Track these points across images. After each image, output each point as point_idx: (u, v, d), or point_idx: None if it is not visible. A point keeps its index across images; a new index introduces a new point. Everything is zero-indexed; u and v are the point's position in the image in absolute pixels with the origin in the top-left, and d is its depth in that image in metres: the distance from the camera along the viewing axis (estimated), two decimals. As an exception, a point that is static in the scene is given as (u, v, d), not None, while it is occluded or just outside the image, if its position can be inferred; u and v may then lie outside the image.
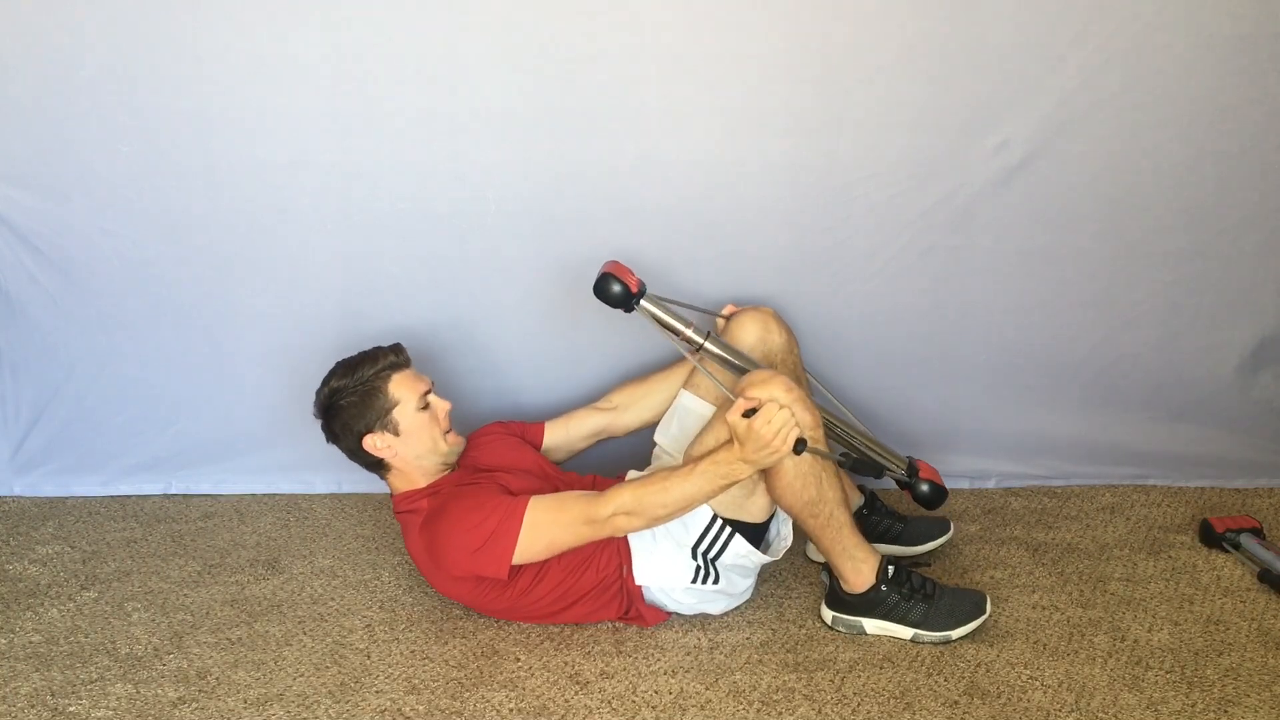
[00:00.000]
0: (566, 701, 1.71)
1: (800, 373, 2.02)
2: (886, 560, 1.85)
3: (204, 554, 2.15)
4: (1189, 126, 2.06)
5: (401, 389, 1.83)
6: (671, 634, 1.88)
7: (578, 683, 1.75)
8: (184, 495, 2.38)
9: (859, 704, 1.69)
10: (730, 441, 1.68)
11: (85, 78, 2.00)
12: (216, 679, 1.76)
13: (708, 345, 1.87)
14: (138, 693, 1.73)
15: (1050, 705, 1.68)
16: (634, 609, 1.86)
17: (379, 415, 1.82)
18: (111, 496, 2.37)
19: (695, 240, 2.14)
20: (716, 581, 1.83)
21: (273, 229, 2.14)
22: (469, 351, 2.25)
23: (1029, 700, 1.69)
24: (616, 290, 1.83)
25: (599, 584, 1.84)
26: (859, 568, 1.83)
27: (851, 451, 1.93)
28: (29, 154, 2.07)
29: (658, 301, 1.89)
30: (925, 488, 1.91)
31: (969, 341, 2.27)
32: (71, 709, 1.69)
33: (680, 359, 2.09)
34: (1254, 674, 1.75)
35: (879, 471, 1.89)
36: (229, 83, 2.01)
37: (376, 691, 1.73)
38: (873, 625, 1.85)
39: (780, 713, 1.68)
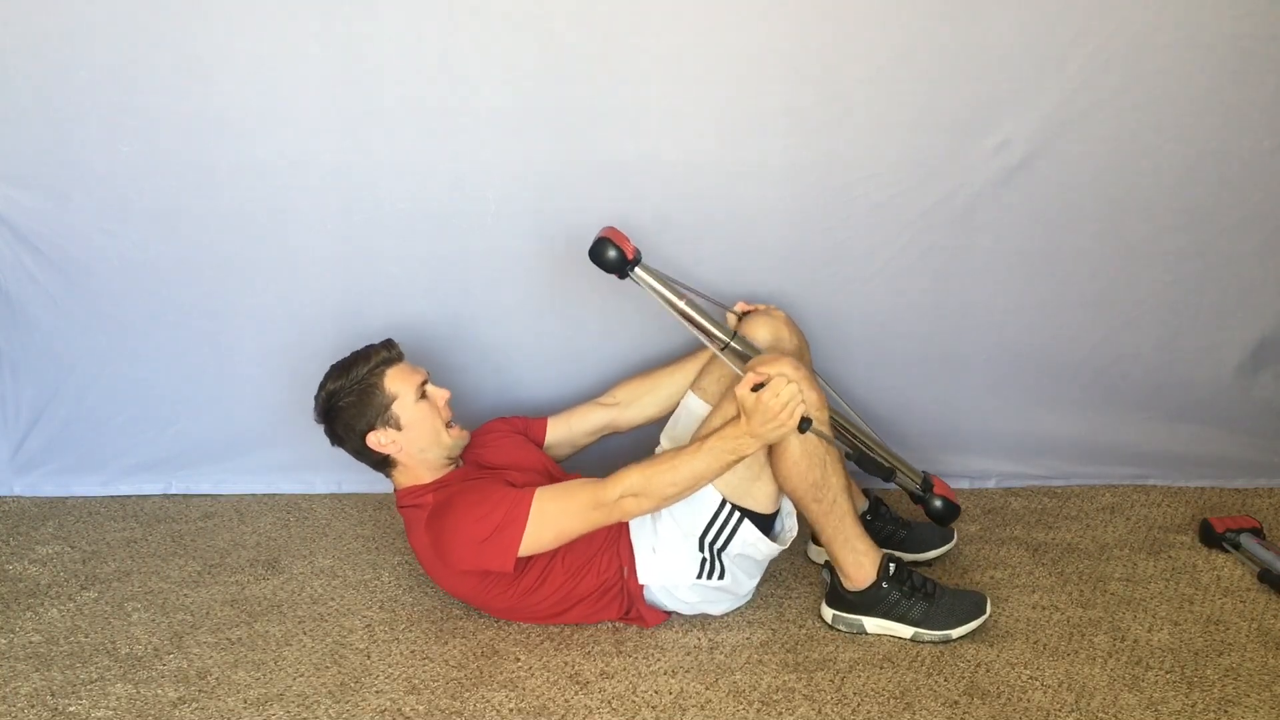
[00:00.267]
0: (566, 701, 1.71)
1: (813, 379, 2.02)
2: (888, 558, 1.85)
3: (204, 554, 2.15)
4: (1189, 126, 2.06)
5: (398, 383, 1.83)
6: (671, 634, 1.88)
7: (578, 683, 1.75)
8: (184, 495, 2.38)
9: (859, 704, 1.69)
10: (738, 416, 1.69)
11: (85, 78, 2.00)
12: (216, 679, 1.76)
13: (715, 332, 1.86)
14: (138, 693, 1.73)
15: (1050, 705, 1.68)
16: (634, 609, 1.86)
17: (379, 411, 1.82)
18: (111, 496, 2.37)
19: (695, 240, 2.14)
20: (722, 576, 1.82)
21: (273, 229, 2.14)
22: (469, 351, 2.25)
23: (1029, 700, 1.70)
24: (612, 255, 1.82)
25: (599, 587, 1.84)
26: (860, 561, 1.83)
27: (859, 450, 1.93)
28: (29, 154, 2.08)
29: (655, 273, 1.88)
30: (939, 503, 1.92)
31: (969, 341, 2.27)
32: (71, 709, 1.69)
33: (685, 354, 2.09)
34: (1254, 674, 1.75)
35: (888, 474, 1.89)
36: (229, 83, 2.01)
37: (376, 691, 1.73)
38: (873, 624, 1.85)
39: (780, 713, 1.68)
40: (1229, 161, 2.09)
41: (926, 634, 1.83)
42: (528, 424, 2.07)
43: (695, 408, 2.00)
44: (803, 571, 2.06)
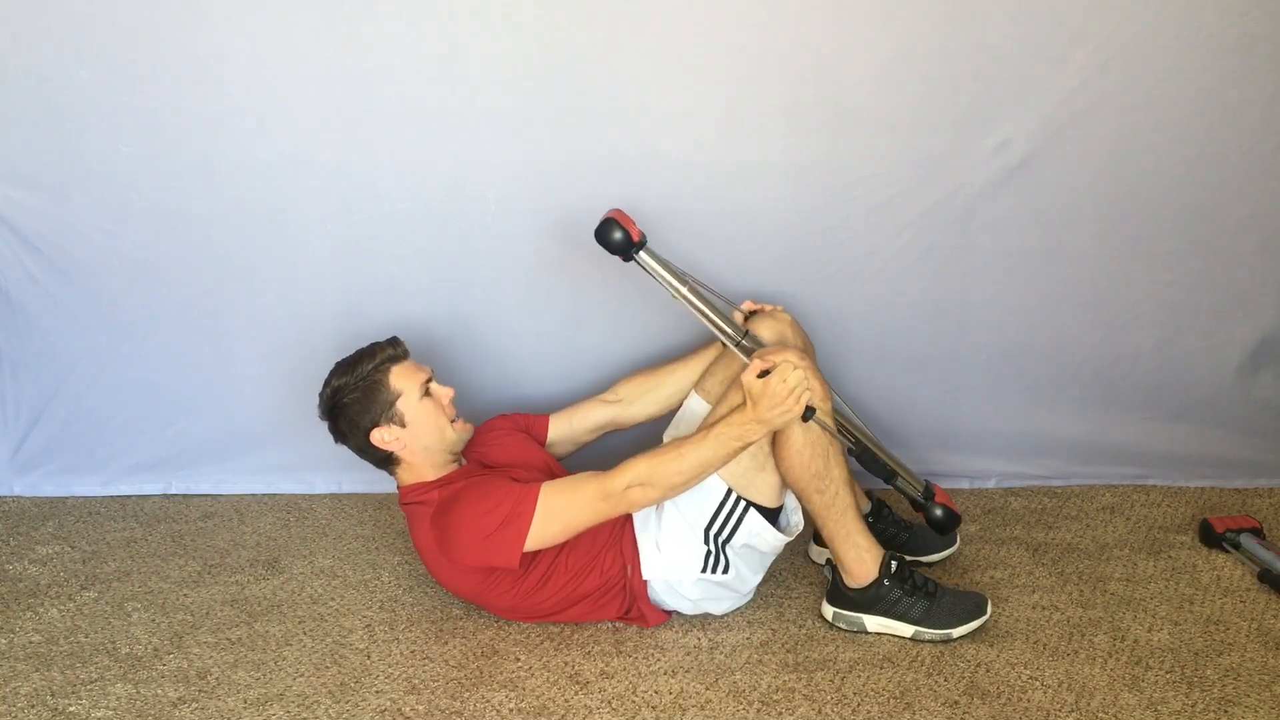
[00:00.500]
0: (566, 701, 1.71)
1: (817, 369, 2.02)
2: (889, 556, 1.85)
3: (204, 554, 2.15)
4: (1189, 126, 2.06)
5: (402, 380, 1.83)
6: (671, 634, 1.88)
7: (578, 683, 1.75)
8: (184, 495, 2.38)
9: (859, 704, 1.69)
10: (744, 403, 1.70)
11: (85, 78, 2.00)
12: (216, 679, 1.76)
13: (745, 343, 1.87)
14: (138, 693, 1.73)
15: (1050, 705, 1.68)
16: (635, 608, 1.86)
17: (383, 408, 1.82)
18: (111, 496, 2.37)
19: (695, 240, 2.14)
20: (726, 570, 1.82)
21: (273, 229, 2.14)
22: (470, 350, 2.25)
23: (1029, 700, 1.70)
24: (618, 237, 1.83)
25: (602, 585, 1.84)
26: (862, 557, 1.83)
27: (861, 446, 1.93)
28: (29, 154, 2.08)
29: (660, 259, 1.88)
30: (939, 511, 1.93)
31: (969, 341, 2.27)
32: (71, 709, 1.69)
33: (687, 353, 2.10)
34: (1254, 674, 1.75)
35: (888, 474, 1.90)
36: (229, 83, 2.01)
37: (376, 691, 1.73)
38: (874, 622, 1.85)
39: (780, 713, 1.68)
40: (1229, 161, 2.09)
41: (927, 633, 1.83)
42: (530, 421, 2.07)
43: (697, 409, 2.00)
44: (803, 571, 2.06)
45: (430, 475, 1.87)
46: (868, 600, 1.84)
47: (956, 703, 1.69)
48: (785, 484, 1.84)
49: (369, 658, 1.82)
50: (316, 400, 1.87)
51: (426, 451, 1.85)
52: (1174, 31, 1.98)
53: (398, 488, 1.91)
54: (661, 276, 1.88)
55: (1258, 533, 2.09)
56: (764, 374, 1.68)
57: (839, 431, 1.85)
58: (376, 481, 1.94)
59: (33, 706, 1.70)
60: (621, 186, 2.09)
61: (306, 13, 1.97)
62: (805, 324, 2.09)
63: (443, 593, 1.99)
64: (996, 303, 2.23)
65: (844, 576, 1.86)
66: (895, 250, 2.17)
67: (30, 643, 1.86)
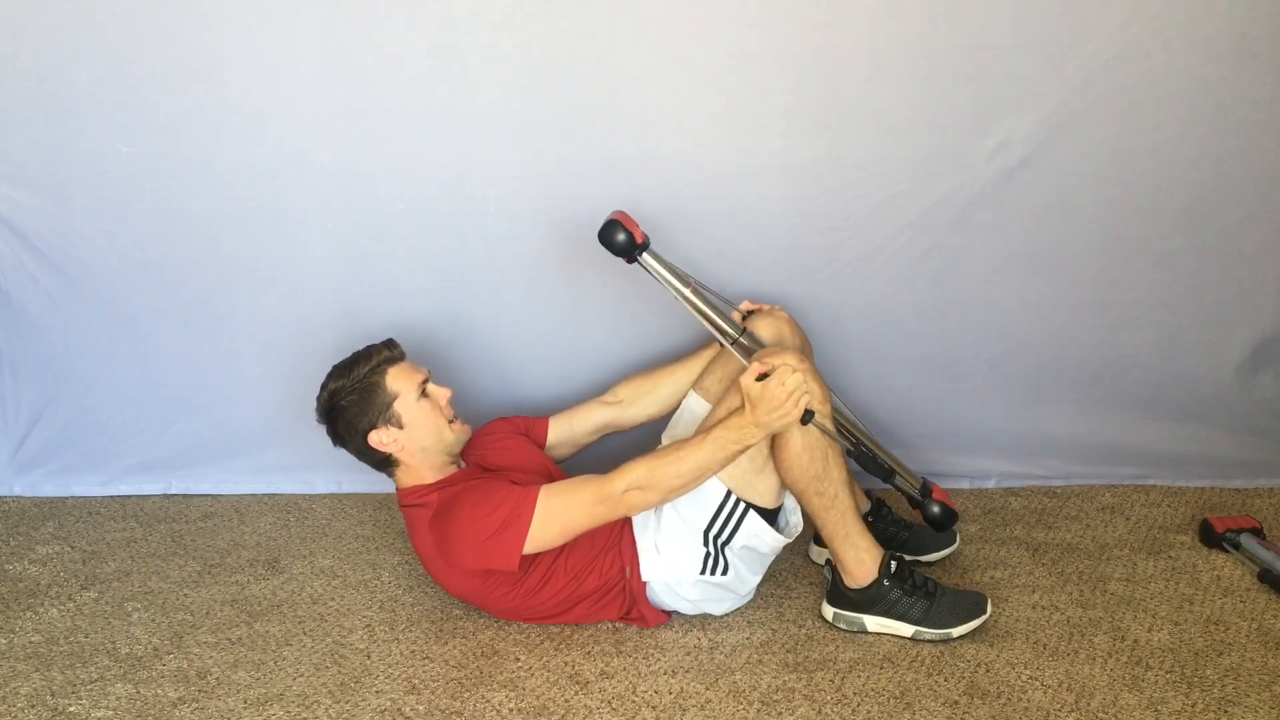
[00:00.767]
0: (566, 701, 1.71)
1: (816, 371, 2.02)
2: (889, 556, 1.85)
3: (204, 554, 2.15)
4: (1189, 126, 2.06)
5: (399, 381, 1.83)
6: (671, 634, 1.88)
7: (578, 683, 1.75)
8: (184, 495, 2.38)
9: (859, 704, 1.69)
10: (742, 407, 1.70)
11: (85, 78, 2.01)
12: (216, 679, 1.76)
13: (743, 341, 1.87)
14: (138, 693, 1.73)
15: (1050, 705, 1.68)
16: (635, 609, 1.86)
17: (381, 410, 1.82)
18: (111, 496, 2.37)
19: (695, 240, 2.14)
20: (725, 572, 1.82)
21: (273, 229, 2.14)
22: (470, 350, 2.25)
23: (1029, 700, 1.69)
24: (621, 239, 1.83)
25: (601, 586, 1.84)
26: (861, 558, 1.83)
27: (860, 446, 1.93)
28: (29, 154, 2.08)
29: (663, 261, 1.88)
30: (937, 509, 1.93)
31: (969, 341, 2.27)
32: (71, 709, 1.69)
33: (686, 353, 2.10)
34: (1254, 674, 1.75)
35: (887, 474, 1.90)
36: (230, 82, 2.01)
37: (376, 691, 1.73)
38: (874, 622, 1.85)
39: (780, 713, 1.68)
40: (1229, 161, 2.09)
41: (927, 633, 1.83)
42: (529, 424, 2.07)
43: (696, 408, 2.00)
44: (803, 571, 2.06)
45: (429, 477, 1.87)
46: (867, 600, 1.84)
47: (956, 703, 1.69)
48: (784, 486, 1.84)
49: (369, 658, 1.82)
50: (315, 410, 1.87)
51: (425, 453, 1.85)
52: (1174, 31, 1.98)
53: (397, 490, 1.91)
54: (664, 279, 1.88)
55: (1258, 533, 2.09)
56: (762, 377, 1.68)
57: (838, 432, 1.85)
58: (376, 481, 1.94)
59: (33, 706, 1.70)
60: (621, 186, 2.10)
61: (306, 13, 1.97)
62: (805, 324, 2.10)
63: (443, 593, 1.99)
64: (996, 303, 2.23)
65: (844, 577, 1.86)
66: (895, 250, 2.17)
67: (30, 643, 1.86)
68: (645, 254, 1.87)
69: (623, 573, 1.83)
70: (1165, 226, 2.15)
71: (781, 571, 2.05)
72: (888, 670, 1.77)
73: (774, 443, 1.78)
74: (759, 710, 1.68)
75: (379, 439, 1.82)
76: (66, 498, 2.36)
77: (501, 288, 2.21)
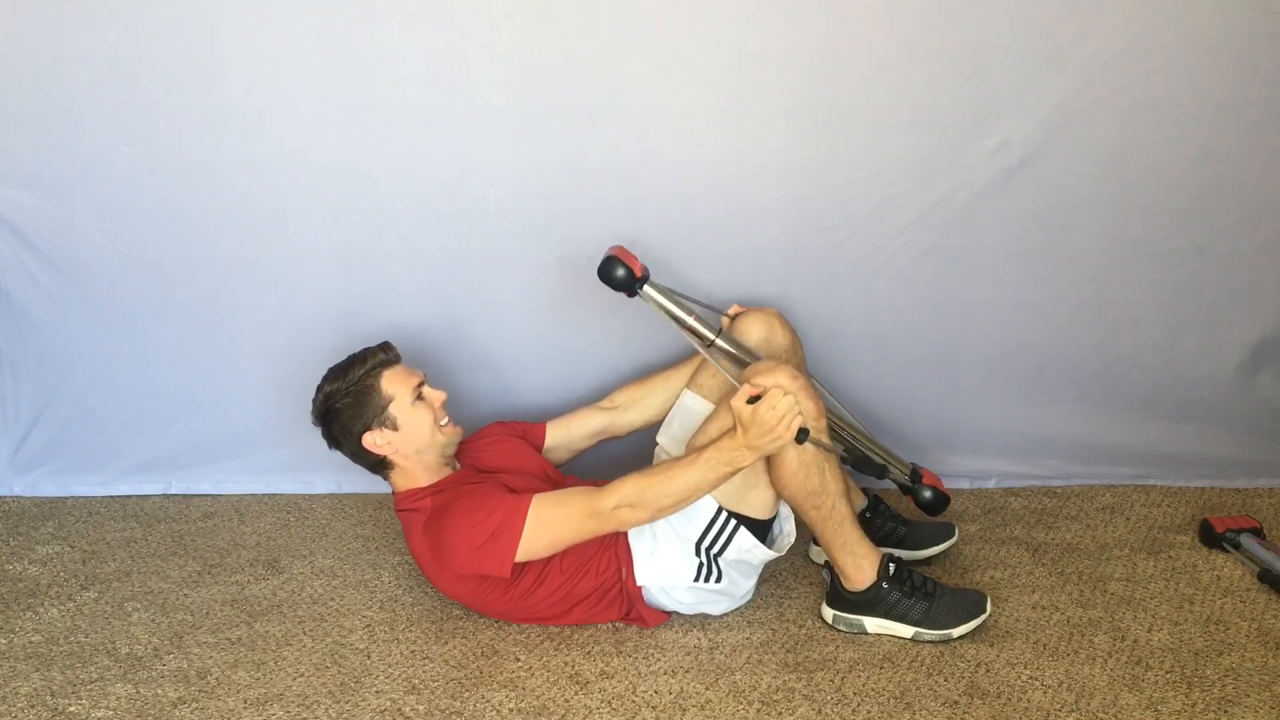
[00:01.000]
0: (566, 701, 1.71)
1: (804, 373, 2.02)
2: (888, 558, 1.85)
3: (204, 554, 2.15)
4: (1189, 126, 2.06)
5: (394, 384, 1.84)
6: (671, 634, 1.88)
7: (578, 683, 1.76)
8: (184, 495, 2.38)
9: (859, 704, 1.69)
10: (734, 428, 1.69)
11: (85, 78, 2.00)
12: (216, 679, 1.76)
13: (719, 342, 1.88)
14: (138, 693, 1.73)
15: (1050, 705, 1.68)
16: (634, 611, 1.86)
17: (375, 413, 1.82)
18: (111, 496, 2.37)
19: (695, 240, 2.14)
20: (719, 580, 1.83)
21: (273, 229, 2.14)
22: (469, 351, 2.25)
23: (1029, 700, 1.70)
24: (620, 274, 1.84)
25: (598, 588, 1.84)
26: (860, 564, 1.83)
27: (856, 451, 1.94)
28: (29, 154, 2.08)
29: (662, 289, 1.89)
30: (928, 493, 1.92)
31: (969, 341, 2.27)
32: (71, 709, 1.69)
33: (682, 359, 2.09)
34: (1254, 674, 1.75)
35: (881, 472, 1.90)
36: (230, 82, 2.01)
37: (376, 691, 1.73)
38: (874, 624, 1.85)
39: (780, 713, 1.68)
40: (1229, 161, 2.09)
41: (927, 633, 1.83)
42: (526, 429, 2.07)
43: (693, 404, 2.00)
44: (803, 571, 2.06)
45: (424, 480, 1.87)
46: (867, 603, 1.84)
47: (956, 703, 1.69)
48: (780, 499, 1.84)
49: (369, 658, 1.82)
50: (310, 412, 1.87)
51: (419, 455, 1.85)
52: (1174, 31, 1.98)
53: (393, 494, 1.91)
54: (667, 310, 1.88)
55: (1258, 533, 2.09)
56: (754, 399, 1.65)
57: (833, 436, 1.84)
58: (376, 481, 1.94)
59: (33, 706, 1.70)
60: (621, 187, 2.10)
61: (306, 13, 1.97)
62: (805, 324, 2.10)
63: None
64: (996, 303, 2.23)
65: (842, 580, 1.86)
66: (895, 250, 2.17)
67: (30, 643, 1.86)
68: (647, 286, 1.87)
69: (619, 573, 1.83)
70: (1165, 226, 2.15)
71: (781, 571, 2.05)
72: (888, 670, 1.77)
73: (769, 461, 1.78)
74: (759, 710, 1.68)
75: (373, 441, 1.82)
76: (66, 498, 2.36)
77: (501, 288, 2.21)
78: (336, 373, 1.85)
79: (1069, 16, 1.97)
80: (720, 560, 1.82)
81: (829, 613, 1.89)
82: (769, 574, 2.02)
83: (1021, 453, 2.38)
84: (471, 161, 2.09)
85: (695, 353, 2.08)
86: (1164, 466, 2.37)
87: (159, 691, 1.73)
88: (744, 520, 1.81)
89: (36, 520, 2.27)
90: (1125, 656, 1.79)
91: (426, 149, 2.07)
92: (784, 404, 1.64)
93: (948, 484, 2.07)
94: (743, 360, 1.88)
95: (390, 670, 1.79)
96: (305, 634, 1.89)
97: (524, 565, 1.78)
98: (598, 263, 1.87)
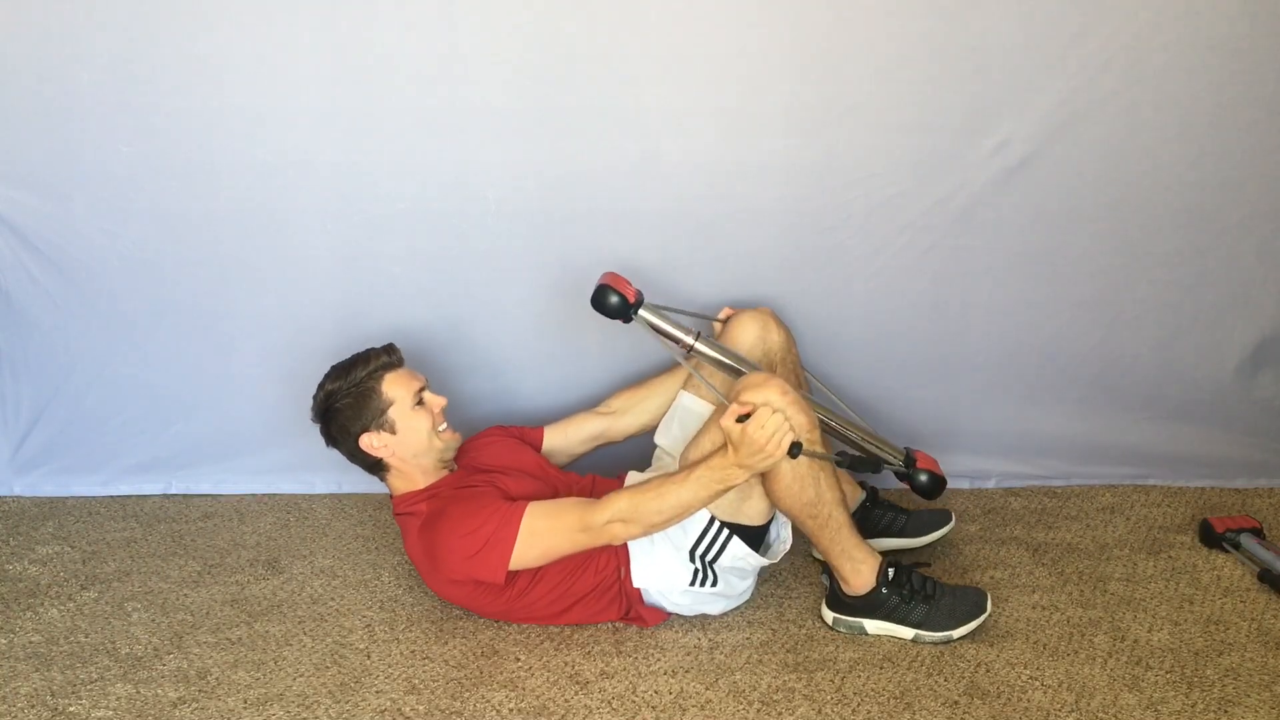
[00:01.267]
0: (566, 701, 1.71)
1: (799, 372, 2.02)
2: (886, 562, 1.85)
3: (204, 554, 2.15)
4: (1189, 126, 2.06)
5: (395, 388, 1.84)
6: (671, 634, 1.88)
7: (578, 683, 1.75)
8: (184, 495, 2.38)
9: (859, 704, 1.69)
10: (725, 447, 1.68)
11: (85, 78, 2.00)
12: (216, 679, 1.76)
13: (699, 346, 1.87)
14: (138, 693, 1.73)
15: (1050, 705, 1.68)
16: (634, 611, 1.86)
17: (374, 415, 1.82)
18: (111, 496, 2.37)
19: (695, 240, 2.14)
20: (715, 584, 1.83)
21: (273, 229, 2.14)
22: (468, 352, 2.25)
23: (1029, 700, 1.69)
24: (614, 301, 1.84)
25: (597, 586, 1.84)
26: (858, 568, 1.83)
27: (849, 446, 1.93)
28: (29, 154, 2.07)
29: (656, 310, 1.89)
30: (924, 478, 1.91)
31: (969, 341, 2.27)
32: (71, 709, 1.69)
33: (678, 365, 2.09)
34: (1254, 674, 1.75)
35: (877, 467, 1.89)
36: (229, 83, 2.01)
37: (376, 691, 1.73)
38: (874, 626, 1.85)
39: (780, 713, 1.68)
40: (1229, 161, 2.09)
41: (928, 635, 1.83)
42: (524, 432, 2.08)
43: (692, 405, 2.00)
44: (803, 571, 2.06)
45: (420, 482, 1.87)
46: (866, 607, 1.84)
47: (956, 703, 1.69)
48: (776, 509, 1.84)
49: (369, 658, 1.82)
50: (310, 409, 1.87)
51: (415, 459, 1.86)
52: (1174, 31, 1.98)
53: (390, 497, 1.91)
54: (665, 333, 1.88)
55: (1258, 533, 2.09)
56: (744, 418, 1.64)
57: (827, 433, 1.84)
58: (376, 481, 1.94)
59: (33, 706, 1.70)
60: (621, 187, 2.10)
61: (306, 13, 1.97)
62: (804, 324, 2.10)
63: (443, 593, 2.00)
64: (996, 303, 2.23)
65: (842, 585, 1.86)
66: (895, 250, 2.17)
67: (30, 643, 1.86)
68: (642, 310, 1.87)
69: (618, 571, 1.83)
70: (1165, 226, 2.15)
71: (781, 571, 2.05)
72: (888, 670, 1.77)
73: (764, 474, 1.77)
74: (759, 710, 1.68)
75: (370, 443, 1.82)
76: (66, 498, 2.36)
77: (501, 288, 2.21)
78: (339, 371, 1.85)
79: (1069, 16, 1.97)
80: (715, 566, 1.82)
81: (829, 615, 1.89)
82: (769, 574, 2.02)
83: (1021, 453, 2.38)
84: (471, 161, 2.09)
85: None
86: (1164, 466, 2.37)
87: (159, 691, 1.73)
88: (738, 529, 1.81)
89: (36, 520, 2.27)
90: (1125, 656, 1.79)
91: (426, 149, 2.07)
92: (773, 422, 1.62)
93: (948, 484, 2.07)
94: (732, 367, 1.88)
95: (390, 670, 1.79)
96: (305, 634, 1.89)
97: (517, 569, 1.78)
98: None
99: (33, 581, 2.05)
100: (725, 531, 1.80)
